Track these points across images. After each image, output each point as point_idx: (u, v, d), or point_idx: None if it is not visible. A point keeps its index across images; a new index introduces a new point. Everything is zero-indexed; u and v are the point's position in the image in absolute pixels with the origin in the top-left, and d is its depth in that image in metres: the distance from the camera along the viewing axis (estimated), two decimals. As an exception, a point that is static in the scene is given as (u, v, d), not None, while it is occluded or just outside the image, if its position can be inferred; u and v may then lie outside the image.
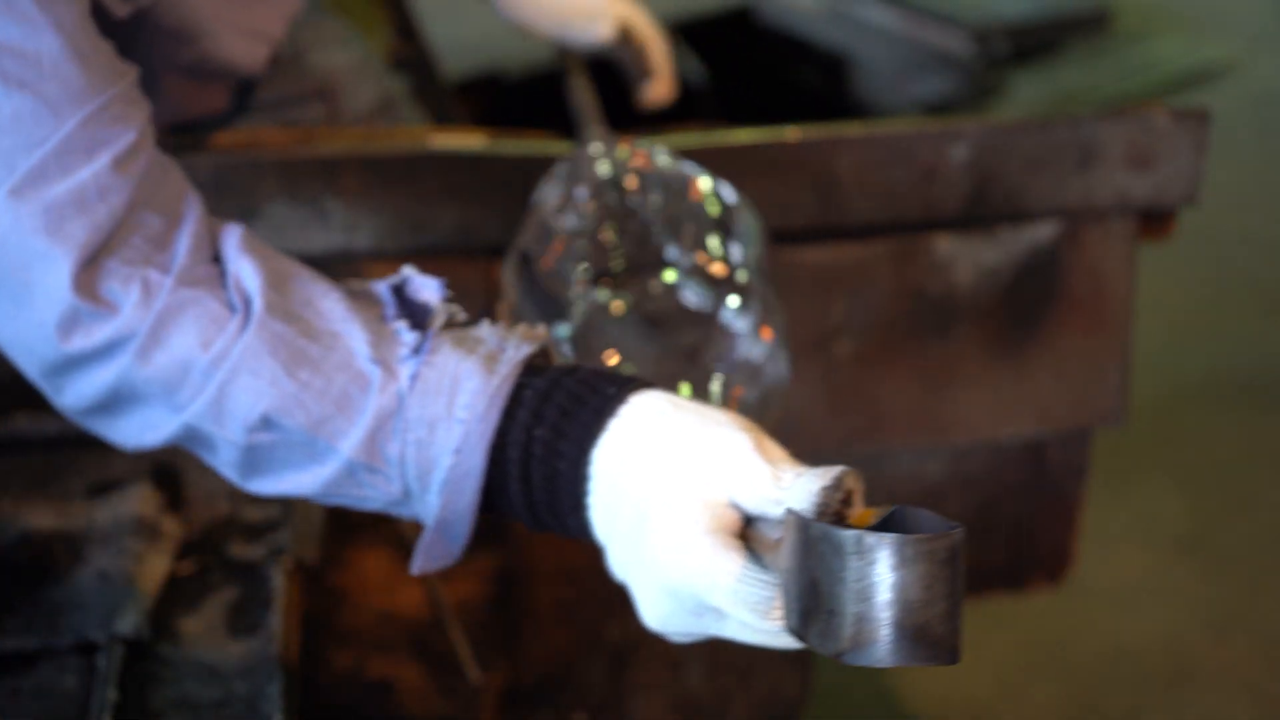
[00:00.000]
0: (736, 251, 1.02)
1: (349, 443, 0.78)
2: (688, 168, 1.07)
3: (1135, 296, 1.42)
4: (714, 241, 1.01)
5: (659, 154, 1.10)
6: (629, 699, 1.50)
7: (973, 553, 1.53)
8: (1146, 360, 2.68)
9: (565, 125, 1.58)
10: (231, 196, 1.21)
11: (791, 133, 1.29)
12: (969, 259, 1.36)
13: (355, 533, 1.36)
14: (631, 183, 1.05)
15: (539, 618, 1.44)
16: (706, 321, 0.98)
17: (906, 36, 3.35)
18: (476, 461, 0.76)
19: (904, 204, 1.32)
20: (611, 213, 1.03)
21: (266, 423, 0.79)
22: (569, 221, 1.04)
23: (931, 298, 1.37)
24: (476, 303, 1.31)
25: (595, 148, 1.14)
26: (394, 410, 0.78)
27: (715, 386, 0.95)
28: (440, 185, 1.24)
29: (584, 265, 1.00)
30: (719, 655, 1.50)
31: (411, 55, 2.23)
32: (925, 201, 1.32)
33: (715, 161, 1.27)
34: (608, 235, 1.02)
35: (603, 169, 1.07)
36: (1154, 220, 1.40)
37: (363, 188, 1.23)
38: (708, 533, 0.70)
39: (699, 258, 0.99)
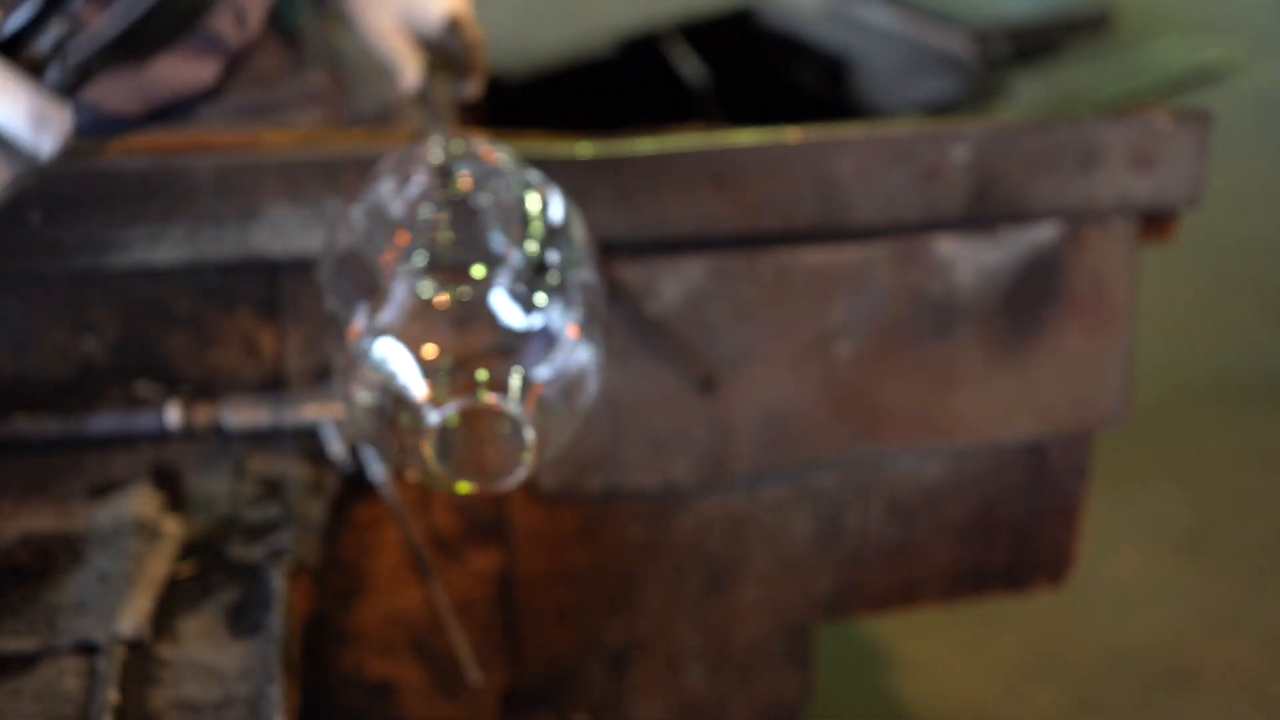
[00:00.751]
0: (560, 254, 1.01)
1: None
2: (522, 169, 1.06)
3: (1136, 298, 1.42)
4: (539, 243, 1.00)
5: (496, 152, 1.09)
6: (629, 700, 1.50)
7: (974, 553, 1.53)
8: (1148, 361, 2.68)
9: (565, 125, 1.58)
10: (233, 197, 1.21)
11: (792, 134, 1.29)
12: (970, 260, 1.36)
13: (355, 534, 1.36)
14: (466, 178, 1.04)
15: (539, 619, 1.44)
16: (519, 322, 0.96)
17: (907, 38, 3.35)
18: None
19: (905, 205, 1.32)
20: (442, 206, 1.02)
21: None
22: (397, 210, 1.02)
23: (932, 299, 1.37)
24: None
25: (432, 141, 1.13)
26: None
27: (514, 380, 0.94)
28: (441, 186, 1.24)
29: (408, 255, 0.99)
30: (720, 655, 1.50)
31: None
32: (926, 202, 1.32)
33: (716, 163, 1.27)
34: (435, 228, 1.01)
35: (439, 161, 1.06)
36: (1155, 221, 1.40)
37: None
38: None
39: (522, 257, 0.98)
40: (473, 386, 0.93)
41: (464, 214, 1.02)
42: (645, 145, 1.26)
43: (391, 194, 1.03)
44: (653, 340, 1.33)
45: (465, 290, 0.96)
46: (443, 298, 0.96)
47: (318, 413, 1.24)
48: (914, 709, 1.97)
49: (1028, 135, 1.31)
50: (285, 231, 1.23)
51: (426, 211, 1.01)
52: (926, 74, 3.32)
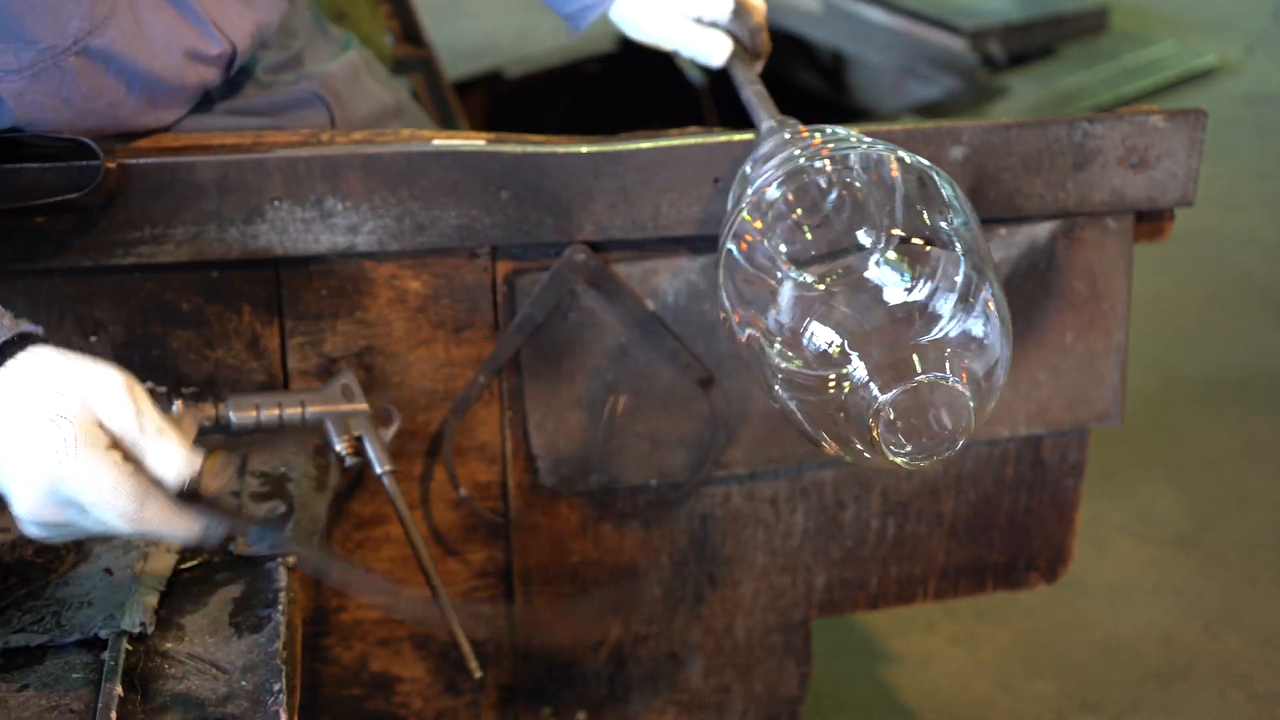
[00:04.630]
0: (941, 225, 1.02)
1: None
2: (877, 146, 1.07)
3: (1131, 296, 1.43)
4: (922, 213, 1.02)
5: (840, 134, 1.10)
6: (629, 695, 1.51)
7: (970, 549, 1.54)
8: (1143, 359, 2.70)
9: (565, 125, 1.59)
10: (236, 196, 1.22)
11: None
12: (966, 258, 1.37)
13: (358, 530, 1.37)
14: (825, 168, 1.05)
15: (539, 614, 1.45)
16: (918, 295, 0.98)
17: (905, 38, 3.36)
18: None
19: (902, 204, 1.33)
20: (808, 199, 1.04)
21: None
22: (768, 224, 1.05)
23: (929, 297, 1.38)
24: (479, 301, 1.32)
25: (783, 134, 1.15)
26: None
27: (945, 355, 0.96)
28: (442, 185, 1.25)
29: (793, 250, 1.01)
30: (719, 650, 1.51)
31: (414, 58, 2.24)
32: (923, 201, 1.33)
33: (715, 162, 1.28)
34: (814, 220, 1.03)
35: (794, 159, 1.08)
36: (1150, 220, 1.41)
37: (365, 188, 1.24)
38: (84, 445, 0.91)
39: (893, 232, 1.00)
40: (906, 364, 0.95)
41: (827, 204, 1.04)
42: (644, 144, 1.27)
43: (756, 208, 1.05)
44: (651, 338, 1.34)
45: (851, 275, 0.98)
46: (832, 285, 0.98)
47: (320, 409, 1.25)
48: (911, 703, 1.98)
49: (1024, 135, 1.32)
50: (288, 230, 1.24)
51: (792, 214, 1.03)
52: (924, 74, 3.33)
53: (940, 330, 0.97)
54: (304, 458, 1.22)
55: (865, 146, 1.08)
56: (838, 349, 0.97)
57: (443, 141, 1.25)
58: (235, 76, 1.33)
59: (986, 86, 3.28)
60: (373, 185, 1.24)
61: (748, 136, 1.28)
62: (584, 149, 1.26)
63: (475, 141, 1.26)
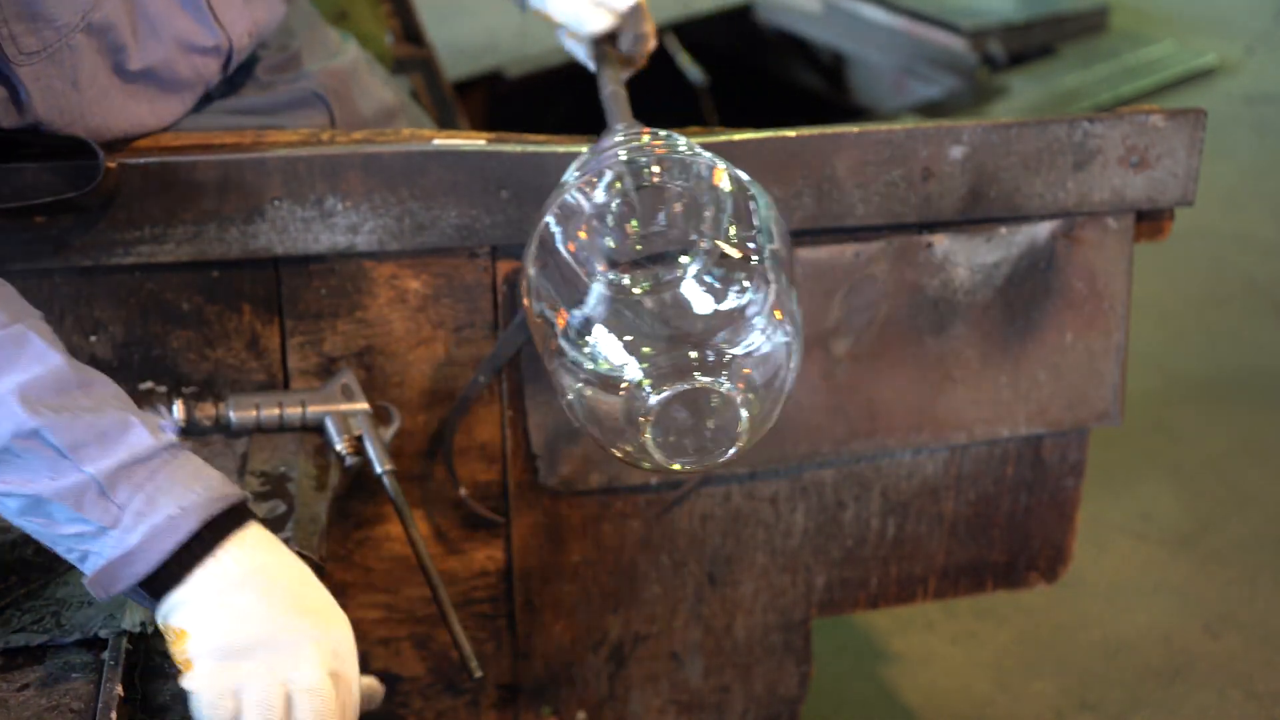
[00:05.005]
0: (752, 236, 1.03)
1: (96, 467, 0.93)
2: (708, 157, 1.08)
3: (1131, 295, 1.43)
4: (731, 227, 1.03)
5: (680, 142, 1.11)
6: (629, 695, 1.51)
7: (970, 549, 1.54)
8: (1142, 359, 2.70)
9: (565, 125, 1.59)
10: (236, 196, 1.22)
11: (790, 132, 1.30)
12: (966, 258, 1.37)
13: (358, 529, 1.37)
14: (654, 169, 1.06)
15: (539, 614, 1.45)
16: (720, 305, 0.99)
17: (905, 38, 3.36)
18: (190, 525, 0.93)
19: (902, 203, 1.33)
20: (632, 198, 1.04)
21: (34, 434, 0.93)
22: (591, 206, 1.05)
23: (929, 297, 1.38)
24: (479, 301, 1.32)
25: (619, 135, 1.15)
26: (146, 457, 0.94)
27: (724, 361, 0.96)
28: (442, 185, 1.25)
29: (605, 248, 1.01)
30: (719, 650, 1.51)
31: (414, 58, 2.24)
32: (923, 201, 1.33)
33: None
34: (629, 220, 1.03)
35: (625, 155, 1.08)
36: (1150, 220, 1.41)
37: (365, 188, 1.24)
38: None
39: (716, 243, 1.01)
40: (685, 369, 0.95)
41: (654, 204, 1.04)
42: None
43: (584, 191, 1.05)
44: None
45: (662, 278, 0.98)
46: (641, 286, 0.98)
47: (320, 409, 1.25)
48: (911, 703, 1.98)
49: (1024, 134, 1.32)
50: (288, 230, 1.24)
51: (619, 205, 1.03)
52: (924, 74, 3.33)
53: (737, 341, 0.98)
54: (304, 457, 1.22)
55: (696, 156, 1.08)
56: (623, 349, 0.97)
57: (443, 141, 1.25)
58: (234, 76, 1.33)
59: (986, 86, 3.28)
60: (373, 185, 1.24)
61: (748, 136, 1.28)
62: (584, 149, 1.26)
63: (475, 141, 1.26)
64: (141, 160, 1.20)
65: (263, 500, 1.17)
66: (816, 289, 1.35)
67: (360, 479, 1.31)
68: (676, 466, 1.00)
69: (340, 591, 1.39)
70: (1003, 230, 1.37)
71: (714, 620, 1.49)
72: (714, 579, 1.47)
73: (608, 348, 0.98)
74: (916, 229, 1.36)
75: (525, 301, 1.07)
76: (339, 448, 1.23)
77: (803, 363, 1.36)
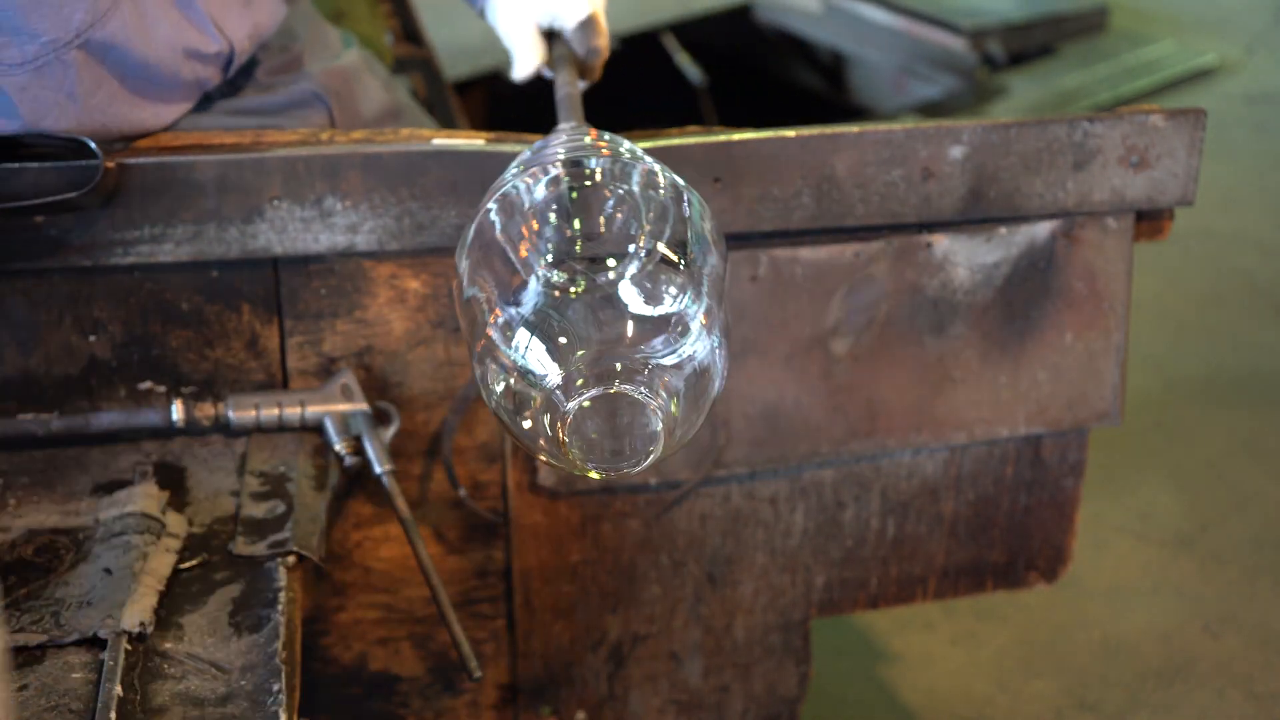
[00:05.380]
0: (689, 244, 1.03)
1: None
2: (649, 161, 1.08)
3: (1131, 295, 1.43)
4: (668, 233, 1.02)
5: (623, 145, 1.11)
6: (628, 695, 1.51)
7: (970, 549, 1.54)
8: (1143, 359, 2.70)
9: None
10: (235, 196, 1.22)
11: (790, 132, 1.30)
12: (966, 258, 1.37)
13: (357, 529, 1.37)
14: (596, 170, 1.05)
15: (539, 613, 1.45)
16: (651, 311, 0.98)
17: (905, 38, 3.36)
18: None
19: (902, 203, 1.33)
20: (573, 197, 1.04)
21: None
22: (531, 202, 1.04)
23: (929, 297, 1.38)
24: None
25: (565, 134, 1.15)
26: None
27: (645, 369, 0.96)
28: (442, 185, 1.25)
29: (543, 246, 1.01)
30: (718, 650, 1.51)
31: (414, 57, 2.24)
32: (923, 201, 1.33)
33: (715, 161, 1.28)
34: (568, 219, 1.03)
35: (568, 154, 1.08)
36: (1150, 220, 1.41)
37: (365, 187, 1.24)
38: None
39: (654, 248, 1.00)
40: (607, 374, 0.95)
41: (595, 205, 1.04)
42: (644, 144, 1.27)
43: (526, 186, 1.05)
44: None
45: (597, 280, 0.97)
46: (576, 287, 0.97)
47: (320, 409, 1.25)
48: (911, 703, 1.98)
49: (1023, 134, 1.32)
50: (287, 230, 1.24)
51: (560, 203, 1.03)
52: (924, 74, 3.33)
53: (665, 349, 0.98)
54: (303, 457, 1.22)
55: (638, 160, 1.08)
56: (550, 349, 0.97)
57: (443, 141, 1.25)
58: (235, 78, 1.33)
59: (986, 86, 3.28)
60: (372, 185, 1.24)
61: (748, 136, 1.28)
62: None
63: (475, 141, 1.26)
64: (141, 160, 1.20)
65: (262, 500, 1.17)
66: (816, 289, 1.35)
67: (360, 479, 1.31)
68: (593, 472, 0.99)
69: (340, 591, 1.39)
70: (1002, 230, 1.37)
71: (713, 620, 1.49)
72: (713, 579, 1.47)
73: (535, 346, 0.97)
74: (916, 229, 1.36)
75: (457, 293, 1.06)
76: (338, 448, 1.23)
77: (799, 366, 1.36)
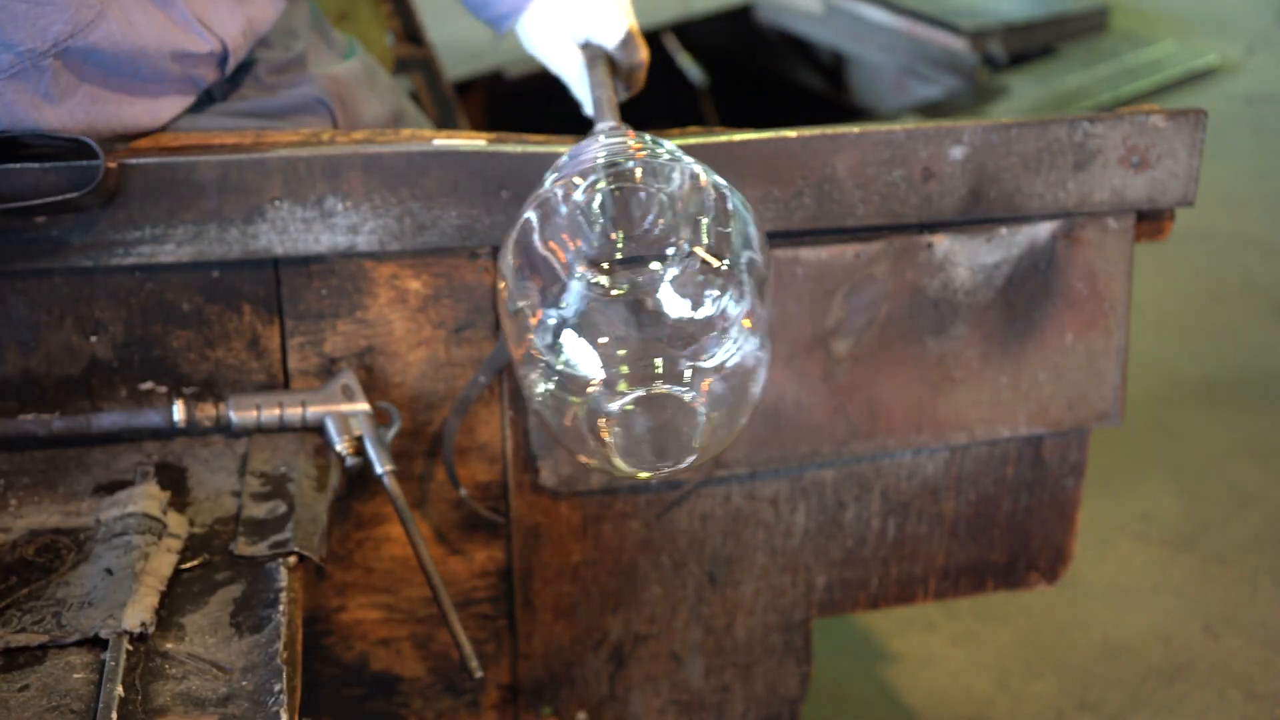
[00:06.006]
0: (731, 245, 1.03)
1: None
2: (689, 162, 1.08)
3: (1132, 296, 1.43)
4: (710, 234, 1.03)
5: (663, 146, 1.11)
6: (629, 695, 1.51)
7: (971, 549, 1.54)
8: (1143, 359, 2.70)
9: (565, 125, 1.59)
10: (236, 196, 1.22)
11: (791, 132, 1.30)
12: (967, 258, 1.37)
13: (359, 530, 1.37)
14: (636, 172, 1.06)
15: (540, 614, 1.45)
16: (694, 313, 0.99)
17: (906, 38, 3.36)
18: None
19: (902, 203, 1.33)
20: (614, 200, 1.04)
21: None
22: (572, 205, 1.05)
23: (930, 297, 1.38)
24: (479, 301, 1.32)
25: (603, 136, 1.15)
26: None
27: (688, 369, 0.96)
28: (443, 185, 1.25)
29: (585, 249, 1.01)
30: (719, 650, 1.51)
31: (414, 58, 2.24)
32: (923, 201, 1.33)
33: (715, 161, 1.28)
34: (610, 222, 1.03)
35: (608, 156, 1.08)
36: (1150, 220, 1.41)
37: (366, 188, 1.24)
38: None
39: (695, 249, 1.01)
40: (650, 376, 0.95)
41: (635, 207, 1.04)
42: (645, 145, 1.27)
43: (565, 190, 1.05)
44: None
45: (640, 282, 0.98)
46: (618, 289, 0.98)
47: (321, 409, 1.25)
48: (911, 703, 1.98)
49: (1024, 135, 1.32)
50: (288, 230, 1.24)
51: (600, 205, 1.03)
52: (925, 74, 3.33)
53: (706, 350, 0.98)
54: (304, 458, 1.22)
55: (679, 161, 1.08)
56: (594, 351, 0.97)
57: (443, 141, 1.25)
58: (235, 75, 1.33)
59: (987, 86, 3.28)
60: (373, 185, 1.24)
61: (748, 136, 1.28)
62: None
63: (475, 141, 1.26)
64: (142, 160, 1.20)
65: (263, 500, 1.17)
66: (817, 289, 1.35)
67: (361, 479, 1.32)
68: (639, 474, 1.00)
69: (341, 592, 1.39)
70: (1003, 230, 1.37)
71: (714, 620, 1.49)
72: (714, 579, 1.47)
73: (579, 348, 0.98)
74: (917, 229, 1.36)
75: (501, 297, 1.07)
76: (339, 448, 1.23)
77: (799, 366, 1.36)
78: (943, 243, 1.36)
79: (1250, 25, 4.49)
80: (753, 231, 1.06)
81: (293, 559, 1.11)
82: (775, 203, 1.30)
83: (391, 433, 1.28)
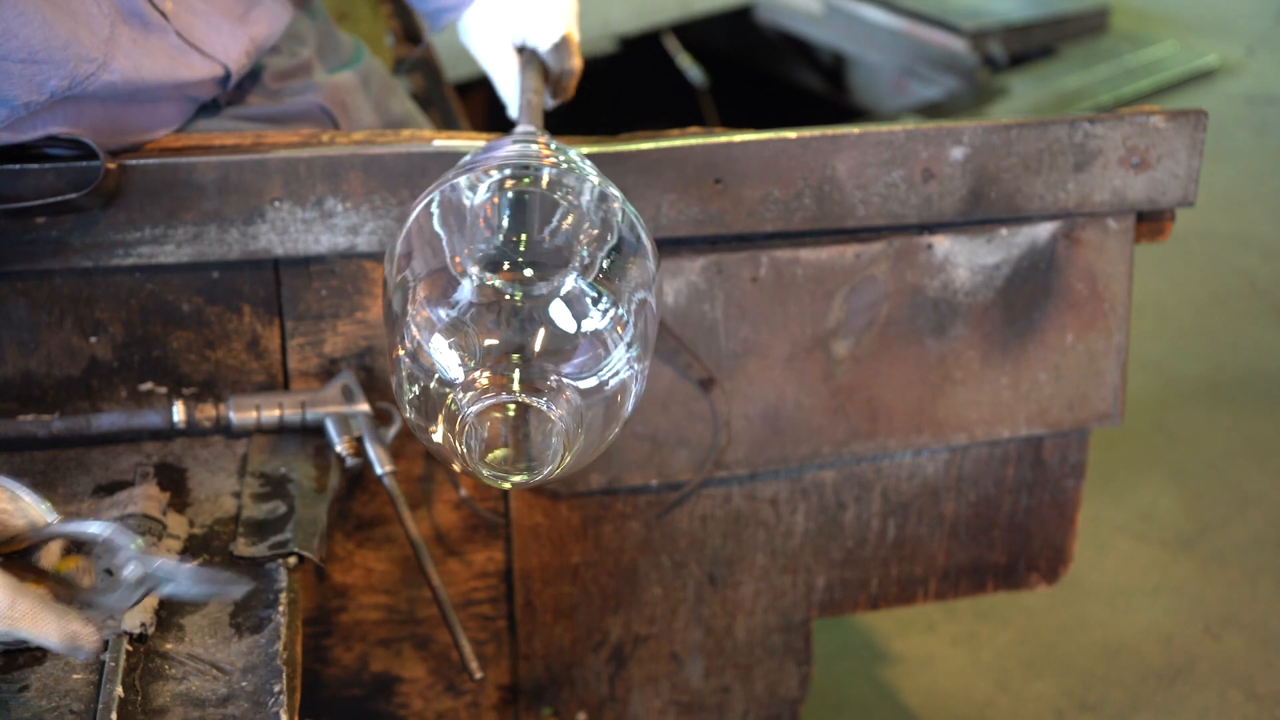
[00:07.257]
0: (628, 276, 1.02)
1: None
2: (594, 173, 1.07)
3: (1132, 296, 1.43)
4: (609, 258, 1.02)
5: (570, 155, 1.10)
6: (629, 696, 1.51)
7: (971, 550, 1.54)
8: (1143, 359, 2.70)
9: (565, 125, 1.59)
10: (236, 197, 1.22)
11: (791, 133, 1.30)
12: (967, 259, 1.37)
13: (359, 531, 1.37)
14: (542, 178, 1.05)
15: (540, 615, 1.45)
16: (578, 326, 0.98)
17: (906, 39, 3.36)
18: None
19: (903, 204, 1.33)
20: (515, 204, 1.03)
21: None
22: (475, 203, 1.03)
23: (930, 297, 1.38)
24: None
25: (517, 138, 1.14)
26: None
27: (551, 382, 0.95)
28: (442, 186, 1.25)
29: (481, 249, 1.00)
30: (719, 651, 1.51)
31: (414, 58, 2.24)
32: (923, 202, 1.33)
33: (716, 161, 1.28)
34: (512, 225, 1.02)
35: (517, 158, 1.07)
36: (1151, 220, 1.41)
37: (366, 188, 1.24)
38: None
39: (591, 269, 0.99)
40: (509, 382, 0.94)
41: (537, 215, 1.03)
42: (645, 144, 1.27)
43: (468, 188, 1.04)
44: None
45: (525, 289, 0.97)
46: (509, 294, 0.97)
47: (321, 410, 1.25)
48: (911, 704, 1.98)
49: (1024, 135, 1.32)
50: (289, 230, 1.24)
51: (501, 208, 1.02)
52: (925, 75, 3.33)
53: (583, 365, 0.97)
54: (304, 459, 1.22)
55: (585, 172, 1.07)
56: (466, 352, 0.96)
57: (443, 142, 1.25)
58: (241, 82, 1.33)
59: (987, 87, 3.28)
60: (373, 186, 1.24)
61: (748, 137, 1.28)
62: (584, 149, 1.26)
63: (476, 142, 1.26)
64: (142, 161, 1.20)
65: (263, 501, 1.17)
66: (817, 290, 1.35)
67: (361, 480, 1.31)
68: (500, 484, 0.98)
69: (341, 592, 1.39)
70: (1003, 231, 1.37)
71: (714, 621, 1.49)
72: (714, 580, 1.47)
73: (449, 349, 0.97)
74: (917, 230, 1.36)
75: (387, 279, 1.05)
76: (339, 449, 1.23)
77: (800, 367, 1.36)
78: (943, 243, 1.36)
79: (1250, 25, 4.49)
80: (648, 262, 1.05)
81: (292, 560, 1.11)
82: (775, 203, 1.30)
83: (391, 433, 1.27)
